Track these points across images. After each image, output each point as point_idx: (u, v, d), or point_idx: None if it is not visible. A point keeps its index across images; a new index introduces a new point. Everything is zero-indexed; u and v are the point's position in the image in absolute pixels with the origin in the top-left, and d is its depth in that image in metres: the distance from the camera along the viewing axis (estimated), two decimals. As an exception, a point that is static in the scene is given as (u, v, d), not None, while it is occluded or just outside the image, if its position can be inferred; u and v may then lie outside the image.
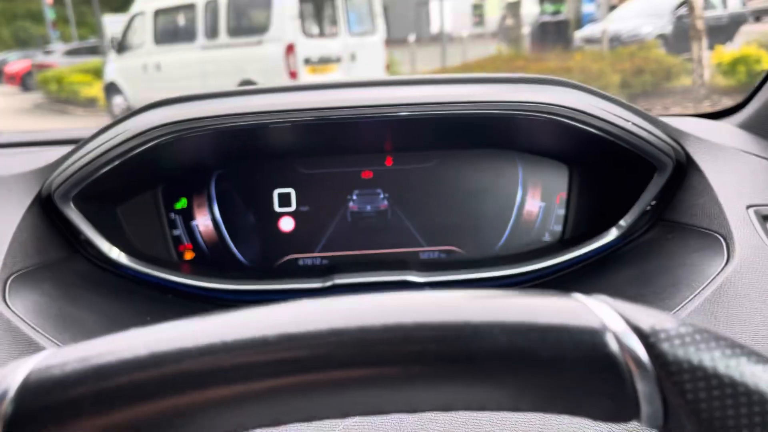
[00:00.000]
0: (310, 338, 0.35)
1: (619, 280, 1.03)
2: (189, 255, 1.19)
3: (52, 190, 1.02)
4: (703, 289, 0.84)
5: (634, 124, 1.02)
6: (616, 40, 12.73)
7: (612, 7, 17.54)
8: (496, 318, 0.36)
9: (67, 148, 1.08)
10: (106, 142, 1.00)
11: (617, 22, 13.93)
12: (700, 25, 8.49)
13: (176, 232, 1.19)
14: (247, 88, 1.07)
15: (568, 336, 0.35)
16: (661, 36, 12.88)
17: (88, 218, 1.04)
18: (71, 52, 18.90)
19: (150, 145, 0.98)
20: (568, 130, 1.02)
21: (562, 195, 1.20)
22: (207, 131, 1.00)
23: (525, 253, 1.18)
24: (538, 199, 1.20)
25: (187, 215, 1.19)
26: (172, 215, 1.18)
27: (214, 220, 1.19)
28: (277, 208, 1.20)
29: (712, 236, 0.95)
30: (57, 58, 18.35)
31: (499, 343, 0.35)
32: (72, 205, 1.02)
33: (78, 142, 1.07)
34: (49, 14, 22.97)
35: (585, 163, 1.17)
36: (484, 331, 0.35)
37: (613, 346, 0.35)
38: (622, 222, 1.08)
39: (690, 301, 0.83)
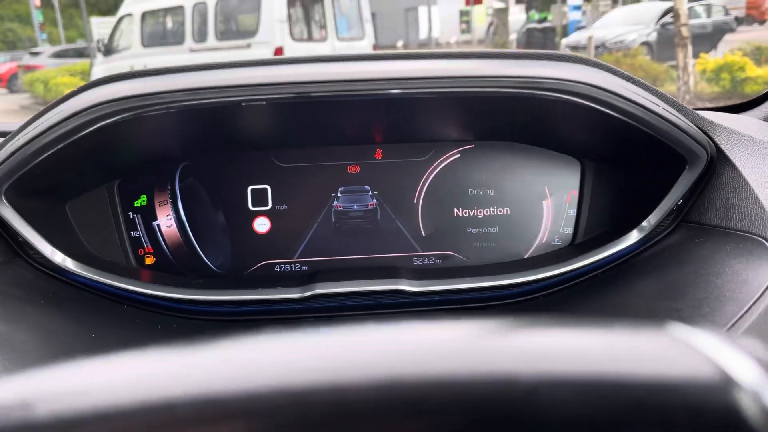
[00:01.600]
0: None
1: (644, 290, 0.89)
2: (149, 260, 1.04)
3: None
4: (754, 303, 0.70)
5: (665, 109, 0.88)
6: (601, 47, 12.83)
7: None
8: (561, 369, 0.22)
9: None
10: (42, 123, 0.84)
11: (602, 30, 14.05)
12: (685, 32, 8.50)
13: (135, 234, 1.04)
14: (217, 63, 0.90)
15: (676, 396, 0.22)
16: (646, 44, 13.01)
17: (28, 216, 0.89)
18: (58, 54, 18.84)
19: (97, 126, 0.83)
20: (585, 116, 0.88)
21: (573, 193, 1.06)
22: (168, 110, 0.83)
23: (532, 258, 1.05)
24: (546, 198, 1.07)
25: (148, 214, 1.04)
26: (131, 214, 1.03)
27: (178, 219, 1.04)
28: (250, 207, 1.05)
29: (754, 240, 0.82)
30: (44, 59, 18.28)
31: (570, 411, 0.21)
32: (4, 200, 0.87)
33: None
34: (37, 16, 22.81)
35: (600, 157, 1.04)
36: (544, 391, 0.22)
37: (748, 407, 0.21)
38: (644, 223, 0.95)
39: (741, 318, 0.69)
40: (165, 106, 0.83)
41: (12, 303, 0.84)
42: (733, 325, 0.69)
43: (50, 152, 0.84)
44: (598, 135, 0.98)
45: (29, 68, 17.42)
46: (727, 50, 10.69)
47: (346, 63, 0.89)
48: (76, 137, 0.83)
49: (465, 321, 0.29)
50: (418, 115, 0.96)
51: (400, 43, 17.02)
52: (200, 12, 9.96)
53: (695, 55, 9.17)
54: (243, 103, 0.84)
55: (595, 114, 0.86)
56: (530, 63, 0.89)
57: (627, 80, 0.91)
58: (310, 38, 10.12)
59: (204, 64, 0.90)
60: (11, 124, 1.31)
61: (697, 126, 0.93)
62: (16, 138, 0.86)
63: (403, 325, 0.29)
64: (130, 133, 0.90)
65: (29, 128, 0.86)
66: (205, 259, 1.05)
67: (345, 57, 0.91)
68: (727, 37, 13.69)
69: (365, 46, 10.56)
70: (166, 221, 1.04)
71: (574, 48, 14.01)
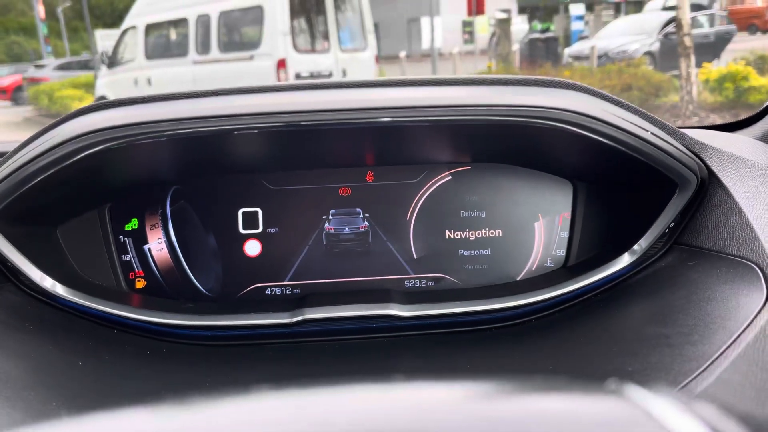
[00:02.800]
0: None
1: (633, 315, 0.88)
2: (140, 283, 1.04)
3: None
4: (743, 332, 0.69)
5: (653, 134, 0.88)
6: (604, 57, 12.85)
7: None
8: None
9: None
10: (31, 151, 0.84)
11: (605, 40, 14.08)
12: (688, 42, 8.50)
13: (126, 257, 1.03)
14: (210, 90, 0.91)
15: None
16: (649, 53, 13.03)
17: (17, 241, 0.89)
18: (63, 67, 18.96)
19: (86, 153, 0.83)
20: (576, 141, 0.88)
21: (565, 215, 1.06)
22: (158, 138, 0.84)
23: (524, 281, 1.04)
24: (538, 220, 1.06)
25: (139, 238, 1.04)
26: (122, 238, 1.03)
27: (169, 243, 1.04)
28: (241, 230, 1.05)
29: (745, 265, 0.81)
30: (48, 72, 18.41)
31: None
32: None
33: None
34: (42, 29, 22.98)
35: (592, 180, 1.03)
36: None
37: None
38: (636, 246, 0.94)
39: (729, 347, 0.68)
40: (155, 134, 0.83)
41: (0, 329, 0.84)
42: (722, 353, 0.68)
43: (39, 179, 0.84)
44: (588, 159, 0.98)
45: (34, 81, 17.55)
46: (730, 59, 10.69)
47: (336, 90, 0.89)
48: (64, 164, 0.83)
49: (423, 386, 0.29)
50: (408, 140, 0.96)
51: (402, 54, 17.09)
52: (203, 24, 10.03)
53: (698, 65, 9.17)
54: (235, 132, 0.84)
55: (584, 139, 0.86)
56: (519, 90, 0.89)
57: (616, 105, 0.91)
58: (312, 50, 10.16)
59: (194, 92, 0.90)
60: (8, 143, 1.31)
61: (687, 148, 0.93)
62: (6, 164, 0.86)
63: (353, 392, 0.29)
64: (121, 158, 0.90)
65: (19, 154, 0.86)
66: (196, 283, 1.04)
67: (335, 84, 0.91)
68: (731, 46, 13.70)
69: (368, 57, 10.59)
70: (157, 245, 1.04)
71: (577, 58, 14.04)
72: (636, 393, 0.26)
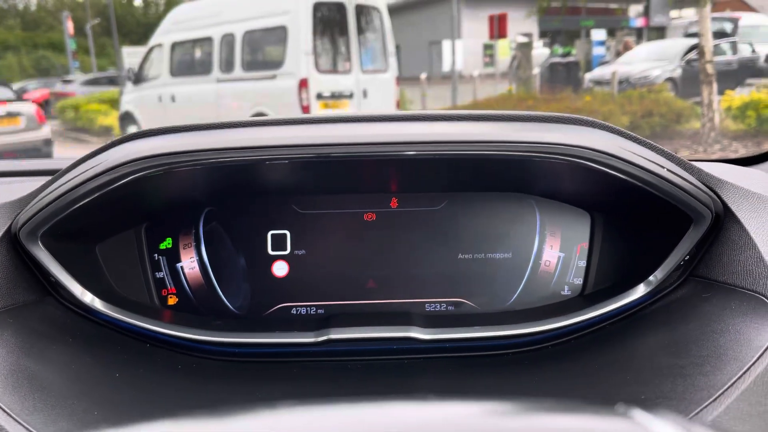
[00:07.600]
0: None
1: (648, 344, 0.91)
2: (172, 300, 1.09)
3: (18, 227, 0.92)
4: (754, 363, 0.72)
5: (668, 170, 0.91)
6: (625, 83, 12.86)
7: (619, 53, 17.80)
8: None
9: (46, 179, 0.99)
10: (79, 175, 0.90)
11: (627, 65, 14.09)
12: (710, 69, 8.49)
13: (159, 275, 1.08)
14: (243, 120, 0.97)
15: None
16: (670, 79, 13.02)
17: (60, 258, 0.94)
18: (90, 82, 19.35)
19: (130, 179, 0.89)
20: (593, 175, 0.92)
21: (583, 245, 1.09)
22: (196, 166, 0.90)
23: (541, 308, 1.07)
24: (556, 248, 1.09)
25: (172, 256, 1.09)
26: (156, 256, 1.08)
27: (201, 262, 1.09)
28: (270, 251, 1.10)
29: (758, 299, 0.84)
30: (75, 87, 18.79)
31: None
32: (40, 243, 0.92)
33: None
34: (71, 45, 23.53)
35: (610, 211, 1.07)
36: None
37: None
38: (651, 277, 0.97)
39: (740, 378, 0.71)
40: (193, 162, 0.89)
41: (41, 341, 0.89)
42: (732, 384, 0.71)
43: (85, 201, 0.90)
44: (606, 192, 1.01)
45: (61, 95, 17.93)
46: (753, 87, 10.64)
47: (363, 124, 0.94)
48: (110, 188, 0.89)
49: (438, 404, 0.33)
50: (431, 170, 1.00)
51: (423, 76, 17.26)
52: (228, 43, 10.20)
53: (721, 92, 9.14)
54: (267, 162, 0.89)
55: (602, 175, 0.90)
56: (538, 127, 0.93)
57: (633, 141, 0.95)
58: (334, 70, 10.27)
59: (230, 122, 0.95)
60: (57, 161, 1.38)
61: (704, 183, 0.96)
62: (56, 184, 0.92)
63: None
64: (160, 183, 0.95)
65: (69, 175, 0.92)
66: (225, 301, 1.09)
67: (364, 117, 0.96)
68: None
69: (389, 78, 10.69)
70: (189, 263, 1.09)
71: (598, 83, 14.08)
72: (642, 416, 0.29)
